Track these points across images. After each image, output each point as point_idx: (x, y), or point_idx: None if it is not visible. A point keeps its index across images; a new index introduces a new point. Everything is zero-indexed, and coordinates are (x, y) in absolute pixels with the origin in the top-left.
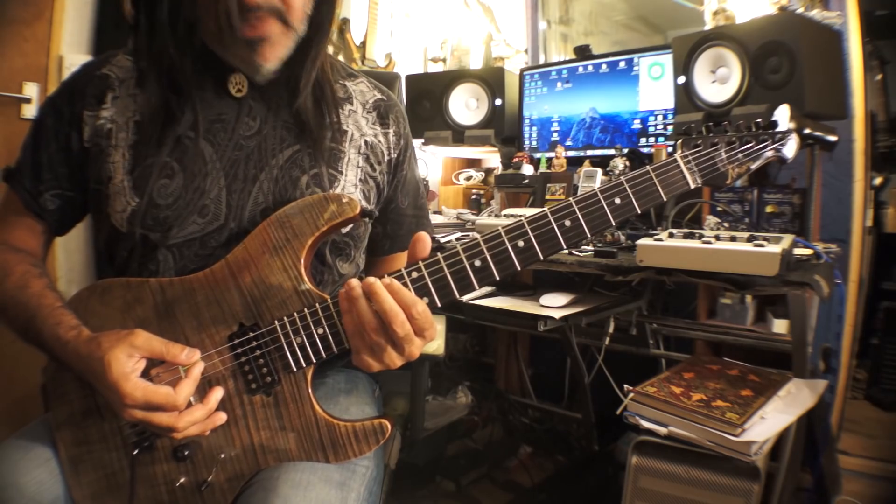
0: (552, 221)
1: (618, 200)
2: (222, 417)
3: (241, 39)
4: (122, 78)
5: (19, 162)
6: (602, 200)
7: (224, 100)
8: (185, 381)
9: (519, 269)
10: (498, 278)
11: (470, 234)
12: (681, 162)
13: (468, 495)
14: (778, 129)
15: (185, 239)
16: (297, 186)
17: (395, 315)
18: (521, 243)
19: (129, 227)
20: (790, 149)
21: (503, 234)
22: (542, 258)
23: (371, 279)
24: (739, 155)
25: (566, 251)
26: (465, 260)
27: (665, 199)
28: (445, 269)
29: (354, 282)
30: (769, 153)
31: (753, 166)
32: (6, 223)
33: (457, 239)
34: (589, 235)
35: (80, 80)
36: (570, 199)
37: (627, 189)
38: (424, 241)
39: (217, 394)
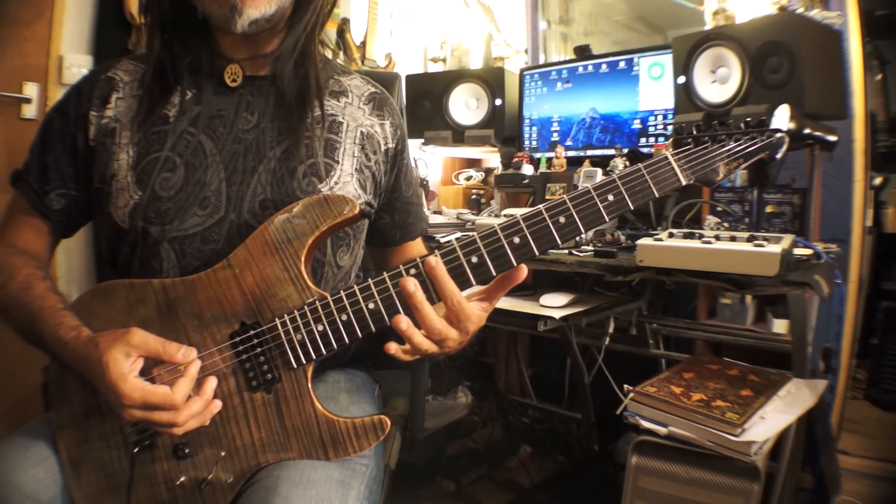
0: (547, 218)
1: (611, 197)
2: (218, 405)
3: None
4: (127, 80)
5: (26, 163)
6: (595, 197)
7: (223, 96)
8: (182, 380)
9: (515, 265)
10: (495, 274)
11: (469, 234)
12: (672, 159)
13: (468, 495)
14: (767, 128)
15: (186, 233)
16: (293, 176)
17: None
18: (516, 240)
19: (131, 222)
20: (781, 147)
21: (499, 231)
22: (537, 254)
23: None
24: (728, 153)
25: (565, 251)
26: (462, 257)
27: (658, 196)
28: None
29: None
30: (759, 151)
31: (744, 164)
32: (12, 224)
33: (456, 239)
34: (583, 231)
35: (86, 83)
36: (565, 196)
37: (620, 186)
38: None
39: (211, 383)
